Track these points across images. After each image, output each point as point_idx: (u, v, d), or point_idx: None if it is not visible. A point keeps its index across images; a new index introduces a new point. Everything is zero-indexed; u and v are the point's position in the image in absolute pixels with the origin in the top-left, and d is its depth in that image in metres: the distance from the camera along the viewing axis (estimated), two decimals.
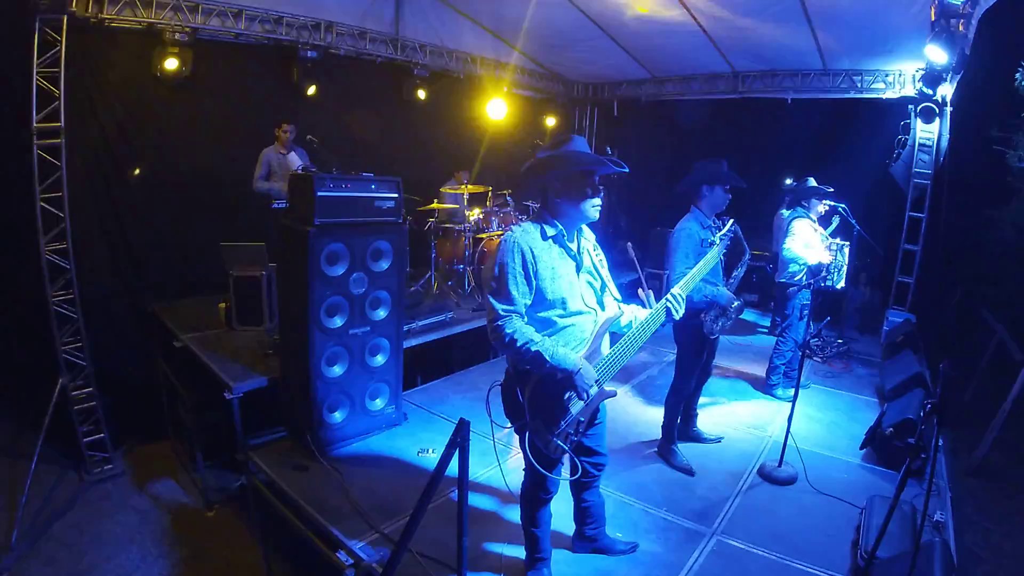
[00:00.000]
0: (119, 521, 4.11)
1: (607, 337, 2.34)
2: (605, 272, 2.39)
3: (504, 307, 2.12)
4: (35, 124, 4.15)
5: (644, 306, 2.45)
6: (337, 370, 3.70)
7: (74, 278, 4.40)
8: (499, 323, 2.11)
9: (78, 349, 4.47)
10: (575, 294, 2.24)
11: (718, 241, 3.08)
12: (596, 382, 2.21)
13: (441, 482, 2.17)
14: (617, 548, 2.84)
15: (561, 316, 2.22)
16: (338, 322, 3.64)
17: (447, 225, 6.51)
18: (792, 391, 3.74)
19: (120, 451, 4.79)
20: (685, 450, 3.75)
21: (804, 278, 4.65)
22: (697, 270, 2.73)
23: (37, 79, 4.12)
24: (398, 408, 4.09)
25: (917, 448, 3.05)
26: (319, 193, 3.46)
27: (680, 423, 3.81)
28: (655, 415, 4.26)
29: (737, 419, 4.43)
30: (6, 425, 4.62)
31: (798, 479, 3.53)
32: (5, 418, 4.67)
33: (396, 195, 3.84)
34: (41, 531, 3.89)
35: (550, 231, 2.21)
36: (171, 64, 5.09)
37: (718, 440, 4.02)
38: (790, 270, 4.73)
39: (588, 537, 2.83)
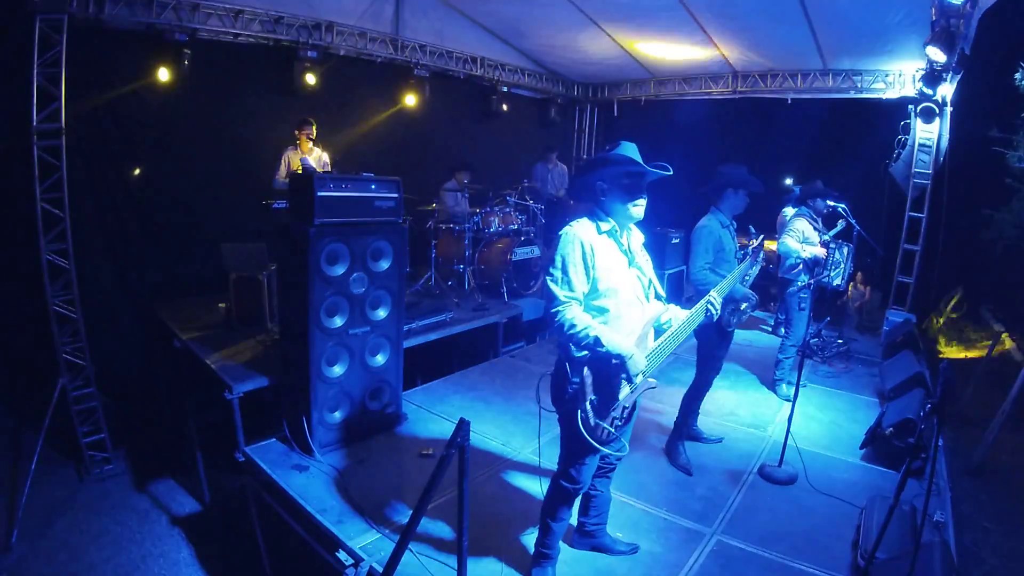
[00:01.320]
0: (119, 521, 4.11)
1: (652, 331, 2.45)
2: (651, 271, 2.52)
3: (564, 295, 2.24)
4: (35, 124, 4.15)
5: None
6: (337, 370, 3.70)
7: (74, 278, 4.41)
8: (559, 309, 2.22)
9: (78, 349, 4.47)
10: (627, 286, 2.36)
11: (750, 254, 3.35)
12: (643, 370, 2.30)
13: (441, 482, 2.17)
14: (617, 548, 2.84)
15: (614, 306, 2.33)
16: (338, 322, 3.64)
17: (447, 225, 6.51)
18: (792, 390, 3.74)
19: (120, 451, 4.79)
20: (685, 449, 3.75)
21: (804, 276, 4.69)
22: (732, 277, 3.01)
23: (37, 79, 4.13)
24: (398, 408, 4.09)
25: (917, 448, 3.05)
26: (319, 193, 3.46)
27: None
28: (655, 414, 4.26)
29: (737, 419, 4.43)
30: (6, 425, 4.62)
31: (798, 479, 3.53)
32: (5, 418, 4.67)
33: (396, 195, 3.84)
34: (41, 531, 3.89)
35: (604, 226, 2.35)
36: (171, 64, 5.08)
37: (718, 440, 4.02)
38: (788, 264, 4.83)
39: (588, 532, 2.83)
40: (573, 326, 2.19)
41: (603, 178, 2.34)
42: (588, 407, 2.24)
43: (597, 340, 2.17)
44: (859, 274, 7.03)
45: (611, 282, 2.31)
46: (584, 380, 2.23)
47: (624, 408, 2.35)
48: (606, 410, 2.28)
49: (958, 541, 3.11)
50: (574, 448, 2.39)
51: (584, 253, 2.26)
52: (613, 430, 2.31)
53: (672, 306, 2.53)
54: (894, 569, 2.47)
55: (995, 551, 3.62)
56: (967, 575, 3.33)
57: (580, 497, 2.76)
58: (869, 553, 2.54)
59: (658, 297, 2.54)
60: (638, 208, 2.35)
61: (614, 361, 2.21)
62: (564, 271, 2.26)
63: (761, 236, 3.43)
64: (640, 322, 2.37)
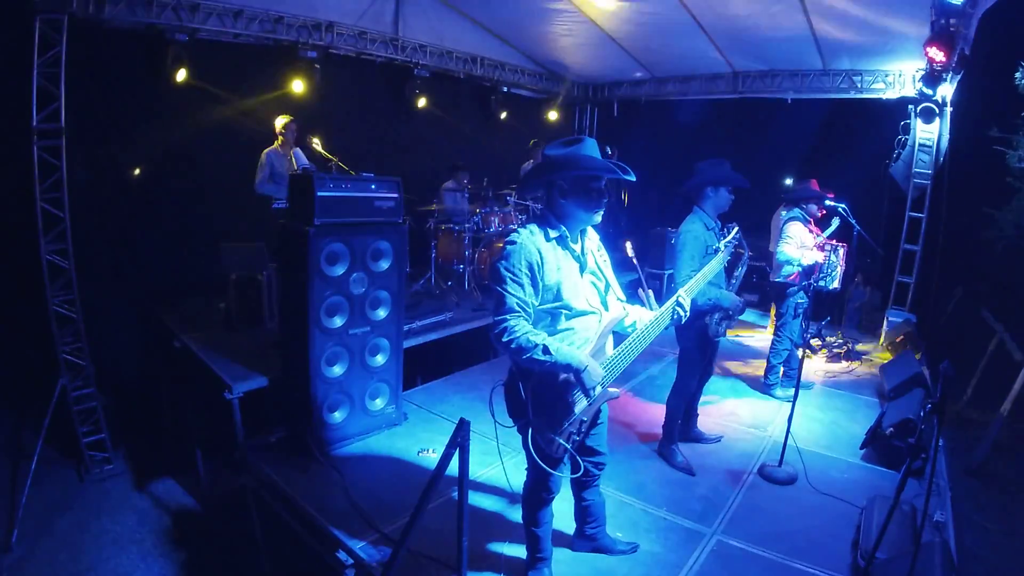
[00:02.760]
0: (119, 521, 4.11)
1: (611, 338, 2.35)
2: (609, 272, 2.39)
3: (510, 307, 2.12)
4: (35, 124, 4.15)
5: (644, 306, 2.46)
6: (337, 370, 3.70)
7: (74, 278, 4.40)
8: (505, 323, 2.11)
9: (78, 349, 4.47)
10: (579, 295, 2.25)
11: (723, 248, 3.07)
12: (600, 382, 2.22)
13: (441, 482, 2.17)
14: (617, 548, 2.84)
15: (566, 316, 2.23)
16: (338, 322, 3.64)
17: (447, 225, 6.51)
18: (790, 390, 3.74)
19: (120, 451, 4.79)
20: (685, 450, 3.75)
21: (799, 279, 4.67)
22: (701, 275, 2.77)
23: (37, 79, 4.12)
24: (398, 408, 4.09)
25: (917, 448, 3.05)
26: (319, 193, 3.46)
27: (680, 423, 3.81)
28: (655, 415, 4.26)
29: (737, 419, 4.43)
30: (6, 425, 4.62)
31: (798, 479, 3.53)
32: (5, 418, 4.67)
33: (396, 195, 3.83)
34: (41, 531, 3.89)
35: (553, 233, 2.22)
36: (171, 64, 5.07)
37: (718, 440, 4.02)
38: (784, 271, 4.75)
39: (588, 536, 2.83)
40: (519, 340, 2.07)
41: (565, 179, 2.19)
42: (541, 424, 2.16)
43: (545, 349, 2.06)
44: (859, 275, 7.03)
45: (562, 292, 2.19)
46: (533, 395, 2.14)
47: (582, 422, 2.26)
48: (560, 425, 2.20)
49: (958, 541, 3.11)
50: (534, 463, 2.27)
51: (531, 263, 2.14)
52: (568, 445, 2.21)
53: (634, 308, 2.43)
54: (894, 569, 2.47)
55: (995, 551, 3.63)
56: (967, 575, 3.33)
57: (573, 505, 2.76)
58: (869, 553, 2.54)
59: (618, 299, 2.42)
60: (599, 213, 2.24)
61: (563, 376, 2.12)
62: (510, 282, 2.12)
63: (736, 228, 3.19)
64: (596, 331, 2.27)
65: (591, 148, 2.22)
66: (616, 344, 2.36)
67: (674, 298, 2.40)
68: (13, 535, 3.74)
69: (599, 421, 2.47)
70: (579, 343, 2.24)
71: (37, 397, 4.38)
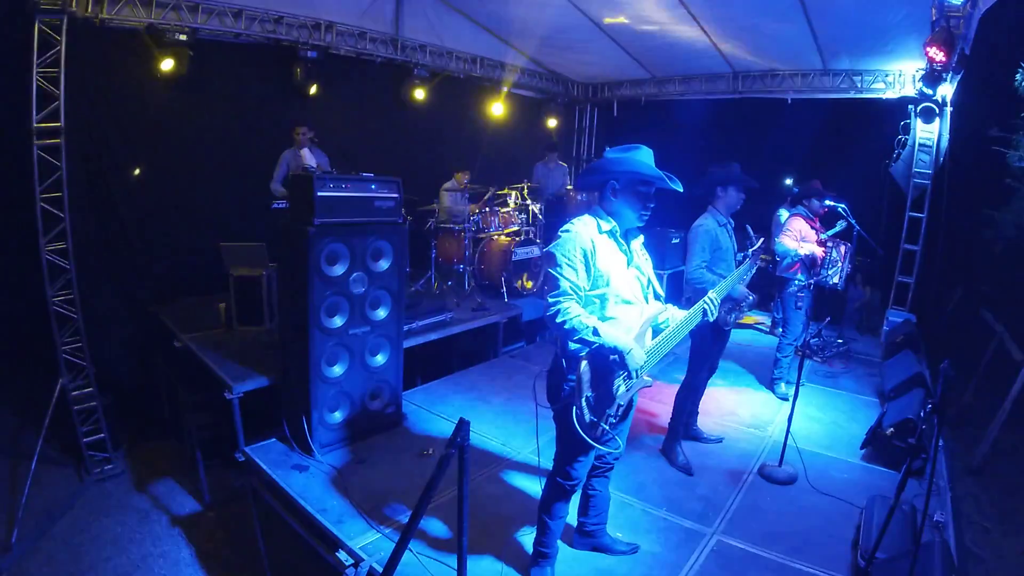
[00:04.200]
0: (119, 521, 4.11)
1: (650, 330, 2.45)
2: (650, 271, 2.53)
3: (564, 290, 2.25)
4: (35, 124, 4.15)
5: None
6: (337, 370, 3.70)
7: (74, 278, 4.40)
8: (558, 305, 2.22)
9: (78, 349, 4.47)
10: (625, 285, 2.38)
11: (750, 255, 3.34)
12: (641, 366, 2.31)
13: (441, 482, 2.17)
14: (617, 548, 2.84)
15: (613, 303, 2.35)
16: (338, 322, 3.64)
17: (447, 225, 6.52)
18: (791, 389, 3.74)
19: (120, 451, 4.79)
20: (685, 448, 3.75)
21: (802, 275, 4.72)
22: (731, 279, 3.06)
23: (37, 79, 4.12)
24: (398, 408, 4.09)
25: (917, 448, 3.05)
26: (319, 193, 3.46)
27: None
28: (655, 414, 4.26)
29: (737, 419, 4.43)
30: (6, 425, 4.62)
31: (798, 479, 3.53)
32: (5, 418, 4.67)
33: (396, 195, 3.84)
34: (41, 531, 3.89)
35: (605, 225, 2.37)
36: (171, 64, 5.08)
37: (718, 440, 4.02)
38: (784, 263, 4.87)
39: (588, 532, 2.83)
40: (571, 318, 2.20)
41: (619, 178, 2.35)
42: (584, 404, 2.24)
43: (595, 331, 2.19)
44: (859, 275, 7.03)
45: (610, 280, 2.33)
46: (581, 376, 2.23)
47: (620, 406, 2.35)
48: (602, 407, 2.29)
49: (958, 541, 3.11)
50: (569, 445, 2.40)
51: (585, 251, 2.28)
52: (608, 428, 2.31)
53: (670, 306, 2.54)
54: (894, 569, 2.47)
55: (995, 551, 3.63)
56: (967, 575, 3.33)
57: (579, 496, 2.77)
58: (869, 553, 2.54)
59: (657, 297, 2.55)
60: (644, 216, 2.40)
61: (611, 356, 2.22)
62: (564, 266, 2.27)
63: (761, 239, 3.45)
64: (638, 320, 2.38)
65: (648, 156, 2.38)
66: (653, 338, 2.47)
67: (704, 299, 2.56)
68: (13, 535, 3.73)
69: (631, 409, 2.54)
70: (623, 329, 2.33)
71: (37, 397, 4.38)
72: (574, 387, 2.24)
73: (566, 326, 2.20)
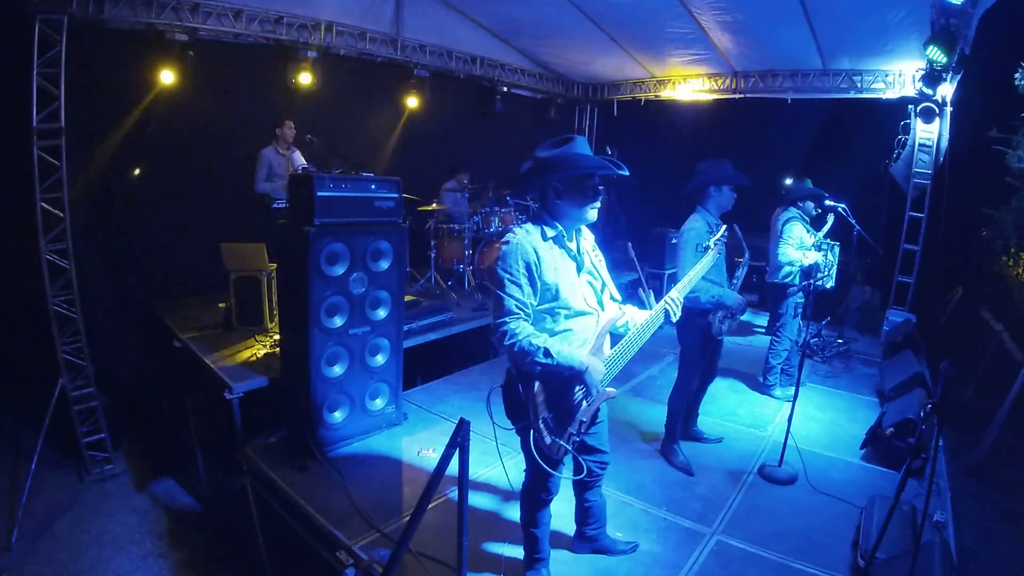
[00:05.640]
0: (119, 521, 4.11)
1: (608, 337, 2.35)
2: (605, 272, 2.39)
3: (509, 309, 2.11)
4: (35, 124, 4.15)
5: (643, 306, 2.45)
6: (337, 370, 3.70)
7: (74, 278, 4.40)
8: (505, 327, 2.10)
9: (78, 349, 4.47)
10: (577, 294, 2.24)
11: (712, 245, 3.05)
12: (601, 381, 2.23)
13: (441, 482, 2.17)
14: (617, 548, 2.84)
15: (564, 317, 2.23)
16: (338, 322, 3.64)
17: (447, 225, 6.52)
18: (790, 390, 3.74)
19: (120, 451, 4.79)
20: (685, 448, 3.75)
21: (798, 279, 4.68)
22: (694, 273, 2.74)
23: (37, 79, 4.12)
24: (398, 408, 4.09)
25: (917, 448, 3.04)
26: (319, 193, 3.46)
27: (681, 422, 3.82)
28: (655, 415, 4.26)
29: (737, 419, 4.43)
30: (6, 426, 4.62)
31: (798, 479, 3.53)
32: (5, 418, 4.67)
33: (396, 195, 3.84)
34: (41, 531, 3.89)
35: (550, 232, 2.21)
36: (170, 64, 5.08)
37: (718, 440, 4.02)
38: (783, 272, 4.75)
39: (589, 537, 2.82)
40: (520, 341, 2.07)
41: (560, 179, 2.17)
42: (542, 426, 2.15)
43: (546, 351, 2.06)
44: (859, 274, 7.03)
45: (560, 291, 2.18)
46: (535, 397, 2.13)
47: (582, 423, 2.26)
48: (563, 427, 2.20)
49: (958, 541, 3.11)
50: (536, 466, 2.25)
51: (529, 263, 2.12)
52: (569, 447, 2.22)
53: (629, 307, 2.42)
54: (894, 569, 2.47)
55: (995, 551, 3.62)
56: (967, 575, 3.33)
57: (574, 506, 2.75)
58: (869, 553, 2.54)
59: (613, 299, 2.42)
60: (594, 210, 2.23)
61: (566, 375, 2.12)
62: (508, 284, 2.11)
63: (723, 227, 3.23)
64: (594, 331, 2.28)
65: (582, 146, 2.19)
66: (612, 344, 2.36)
67: (664, 299, 2.40)
68: (13, 535, 3.73)
69: (598, 420, 2.46)
70: (577, 343, 2.24)
71: (37, 397, 4.38)
72: (529, 409, 2.14)
73: (515, 348, 2.07)
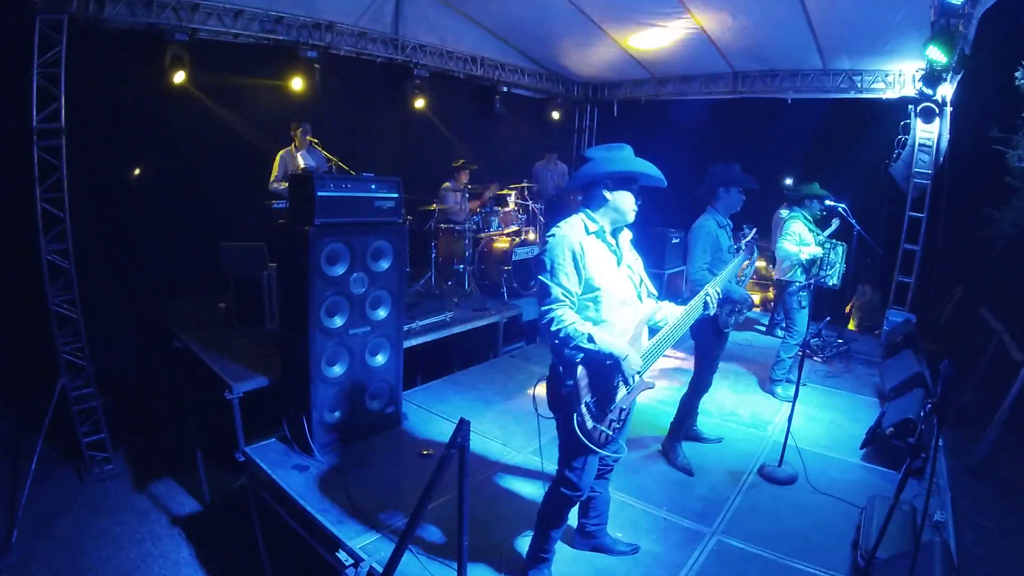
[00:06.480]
0: (119, 521, 4.11)
1: (646, 330, 2.44)
2: (641, 269, 2.51)
3: (556, 297, 2.22)
4: (35, 124, 4.15)
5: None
6: (337, 370, 3.70)
7: (74, 278, 4.41)
8: (552, 313, 2.20)
9: (78, 349, 4.47)
10: (617, 286, 2.35)
11: (743, 247, 3.25)
12: (639, 370, 2.29)
13: (441, 482, 2.17)
14: (617, 548, 2.84)
15: (605, 307, 2.31)
16: (338, 322, 3.64)
17: (447, 225, 6.51)
18: (791, 389, 3.74)
19: (120, 451, 4.79)
20: (685, 448, 3.75)
21: (801, 275, 4.75)
22: (728, 271, 3.00)
23: (37, 79, 4.12)
24: (398, 408, 4.09)
25: (917, 448, 3.05)
26: (319, 193, 3.46)
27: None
28: (655, 415, 4.26)
29: (737, 419, 4.44)
30: (6, 425, 4.62)
31: (798, 479, 3.53)
32: (5, 418, 4.67)
33: (396, 195, 3.84)
34: (41, 531, 3.89)
35: (592, 227, 2.33)
36: (171, 64, 5.07)
37: (718, 440, 4.02)
38: (784, 266, 4.89)
39: (589, 533, 2.83)
40: (565, 326, 2.17)
41: (612, 177, 2.33)
42: (584, 410, 2.21)
43: (590, 338, 2.15)
44: (860, 274, 7.04)
45: (602, 283, 2.29)
46: (579, 382, 2.20)
47: (621, 410, 2.33)
48: (603, 412, 2.27)
49: (958, 541, 3.11)
50: (572, 452, 2.36)
51: (574, 254, 2.24)
52: (611, 432, 2.29)
53: (665, 303, 2.52)
54: (894, 569, 2.47)
55: (995, 551, 3.63)
56: (967, 575, 3.33)
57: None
58: (869, 553, 2.54)
59: (650, 295, 2.52)
60: (634, 211, 2.39)
61: (608, 362, 2.19)
62: (555, 272, 2.23)
63: (754, 229, 3.37)
64: (633, 322, 2.36)
65: (631, 153, 2.38)
66: (650, 337, 2.44)
67: (703, 291, 2.53)
68: (13, 535, 3.74)
69: (630, 412, 2.52)
70: (618, 333, 2.31)
71: (37, 397, 4.38)
72: (572, 393, 2.21)
73: (561, 334, 2.17)
